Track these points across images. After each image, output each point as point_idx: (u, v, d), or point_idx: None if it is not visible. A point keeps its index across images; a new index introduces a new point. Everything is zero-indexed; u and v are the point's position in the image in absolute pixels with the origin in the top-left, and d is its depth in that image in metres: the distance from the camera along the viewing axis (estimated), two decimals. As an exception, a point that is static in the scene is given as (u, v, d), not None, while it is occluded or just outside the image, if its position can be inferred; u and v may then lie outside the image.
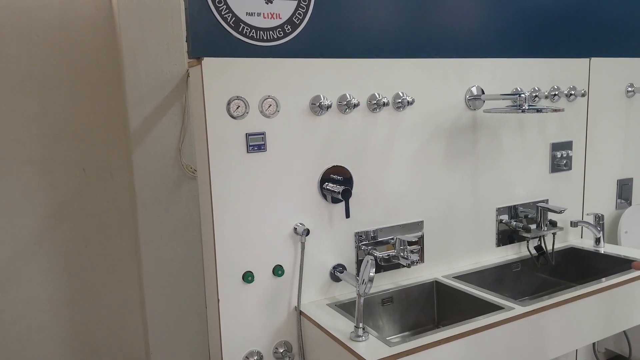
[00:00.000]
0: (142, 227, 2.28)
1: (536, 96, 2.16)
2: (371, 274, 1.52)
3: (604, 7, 2.39)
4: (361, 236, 1.87)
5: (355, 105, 1.77)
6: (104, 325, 2.58)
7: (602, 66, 2.39)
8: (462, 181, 2.08)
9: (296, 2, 1.66)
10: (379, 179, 1.89)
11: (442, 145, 2.00)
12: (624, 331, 2.25)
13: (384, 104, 1.82)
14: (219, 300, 1.67)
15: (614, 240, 2.55)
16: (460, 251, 2.11)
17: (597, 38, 2.39)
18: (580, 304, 1.81)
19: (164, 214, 2.30)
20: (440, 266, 2.06)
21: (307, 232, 1.74)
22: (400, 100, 1.86)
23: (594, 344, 2.49)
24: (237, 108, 1.61)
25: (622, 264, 2.13)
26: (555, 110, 1.93)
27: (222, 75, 1.58)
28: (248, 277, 1.69)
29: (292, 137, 1.71)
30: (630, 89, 2.49)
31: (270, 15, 1.63)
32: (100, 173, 2.49)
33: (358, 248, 1.87)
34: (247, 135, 1.64)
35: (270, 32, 1.64)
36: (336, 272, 1.83)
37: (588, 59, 2.35)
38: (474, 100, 2.04)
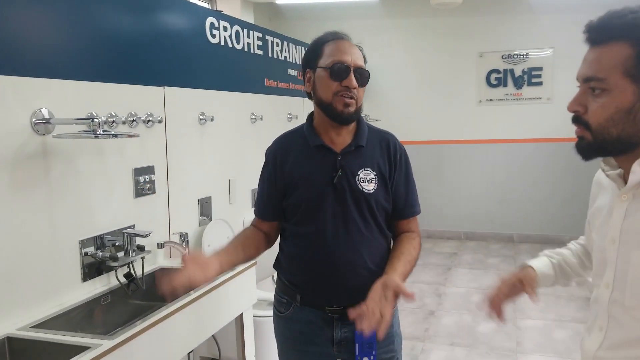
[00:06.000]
0: None
1: (113, 121, 2.13)
2: None
3: (176, 43, 2.60)
4: None
5: None
6: None
7: (176, 95, 2.57)
8: (36, 216, 1.83)
9: None
10: None
11: (5, 176, 1.72)
12: (213, 335, 2.46)
13: None
14: None
15: (199, 254, 2.77)
16: (39, 295, 1.86)
17: (170, 69, 2.56)
18: (171, 321, 1.87)
19: None
20: (13, 318, 1.76)
21: None
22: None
23: (189, 355, 2.64)
24: None
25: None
26: (131, 136, 1.94)
27: None
28: None
29: None
30: (202, 116, 2.78)
31: None
32: None
33: None
34: None
35: None
36: None
37: (162, 88, 2.48)
38: (43, 124, 1.84)
